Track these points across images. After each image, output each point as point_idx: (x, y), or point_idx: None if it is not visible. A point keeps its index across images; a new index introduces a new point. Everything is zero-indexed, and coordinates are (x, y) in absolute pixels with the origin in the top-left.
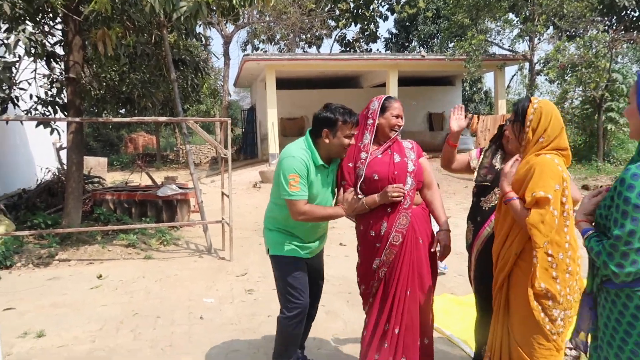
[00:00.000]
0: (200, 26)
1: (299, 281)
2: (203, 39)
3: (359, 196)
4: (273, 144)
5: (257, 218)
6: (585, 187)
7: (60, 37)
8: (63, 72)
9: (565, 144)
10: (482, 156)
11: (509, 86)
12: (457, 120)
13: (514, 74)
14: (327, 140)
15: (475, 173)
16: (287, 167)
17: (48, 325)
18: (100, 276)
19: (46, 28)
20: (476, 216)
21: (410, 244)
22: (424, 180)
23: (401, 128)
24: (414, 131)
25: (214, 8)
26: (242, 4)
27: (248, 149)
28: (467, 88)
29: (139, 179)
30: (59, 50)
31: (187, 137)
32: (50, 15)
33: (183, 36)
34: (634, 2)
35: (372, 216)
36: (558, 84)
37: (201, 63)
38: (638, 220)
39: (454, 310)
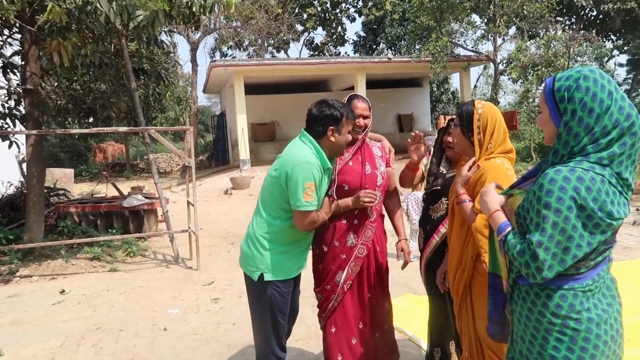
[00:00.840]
0: (161, 34)
1: (283, 325)
2: (165, 46)
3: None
4: (244, 150)
5: (227, 225)
6: None
7: (19, 48)
8: (19, 84)
9: (510, 145)
10: (429, 163)
11: (475, 86)
12: (415, 151)
13: (480, 74)
14: (333, 139)
15: (425, 181)
16: (305, 175)
17: (6, 343)
18: (63, 291)
19: (1, 38)
20: (426, 225)
21: (372, 255)
22: (388, 189)
23: (368, 127)
24: (385, 133)
25: (174, 15)
26: (202, 11)
27: (219, 155)
28: (435, 89)
29: (105, 189)
30: (17, 60)
31: (149, 146)
32: (7, 26)
33: (144, 44)
34: (591, 2)
35: (338, 226)
36: (520, 83)
37: (163, 71)
38: (558, 225)
39: (416, 310)
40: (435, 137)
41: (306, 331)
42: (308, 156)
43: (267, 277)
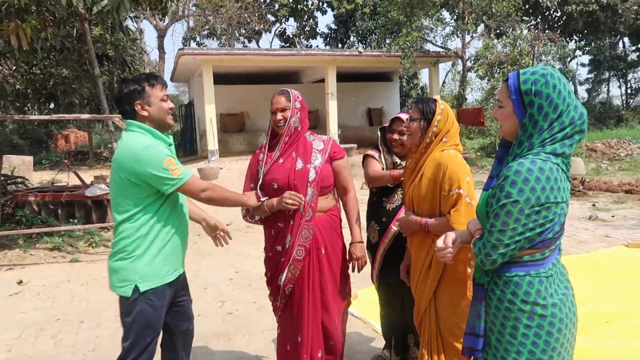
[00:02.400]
0: (126, 19)
1: (153, 341)
2: (131, 32)
3: (262, 199)
4: (212, 140)
5: None
6: None
7: None
8: None
9: (458, 141)
10: (382, 160)
11: (444, 82)
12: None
13: (448, 71)
14: (145, 113)
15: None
16: (156, 157)
17: None
18: (21, 282)
19: None
20: (380, 216)
21: (314, 257)
22: (337, 184)
23: (288, 120)
24: (355, 126)
25: (140, 1)
26: None
27: (187, 145)
28: (405, 84)
29: (67, 178)
30: None
31: (113, 134)
32: None
33: (108, 30)
34: (555, 3)
35: (276, 228)
36: (487, 80)
37: (129, 58)
38: (512, 214)
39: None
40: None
41: (272, 322)
42: (144, 140)
43: (143, 287)
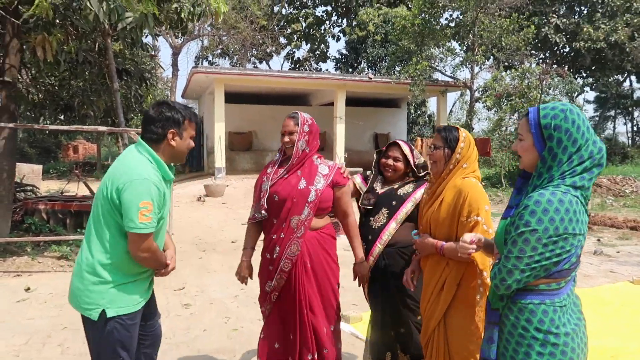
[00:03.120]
0: (146, 36)
1: (131, 354)
2: (149, 49)
3: (261, 213)
4: (220, 157)
5: (199, 232)
6: None
7: None
8: None
9: (477, 167)
10: (369, 182)
11: (451, 111)
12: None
13: (456, 100)
14: (173, 143)
15: (362, 198)
16: (141, 193)
17: None
18: (28, 289)
19: None
20: (367, 235)
21: (300, 270)
22: (337, 209)
23: (297, 143)
24: (361, 150)
25: (162, 20)
26: (190, 17)
27: (194, 161)
28: (412, 111)
29: (75, 188)
30: None
31: (127, 147)
32: None
33: (128, 46)
34: (564, 39)
35: (268, 238)
36: (495, 111)
37: (146, 74)
38: (530, 242)
39: None
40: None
41: None
42: (146, 171)
43: (111, 313)
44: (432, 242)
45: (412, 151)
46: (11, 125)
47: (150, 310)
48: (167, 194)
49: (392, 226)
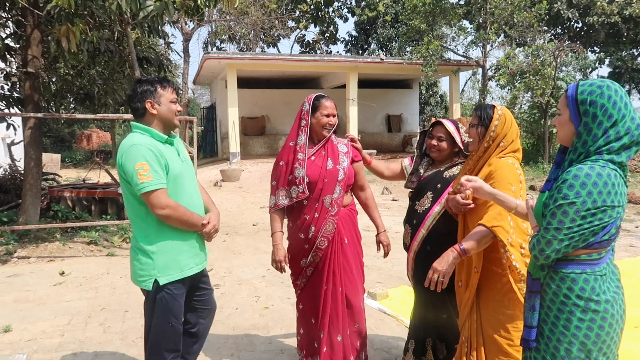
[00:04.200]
0: (165, 24)
1: (178, 330)
2: (167, 37)
3: (302, 194)
4: (234, 142)
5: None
6: (532, 188)
7: (14, 30)
8: (19, 67)
9: (519, 146)
10: (413, 165)
11: (463, 90)
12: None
13: (468, 79)
14: (154, 111)
15: (406, 180)
16: (133, 157)
17: (13, 320)
18: (63, 273)
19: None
20: (412, 219)
21: (336, 246)
22: (355, 183)
23: (334, 126)
24: (374, 132)
25: (178, 7)
26: (207, 4)
27: (207, 147)
28: (424, 91)
29: (96, 176)
30: (11, 43)
31: None
32: (7, 8)
33: (146, 34)
34: (577, 14)
35: (301, 219)
36: (508, 89)
37: (165, 61)
38: (568, 214)
39: (410, 301)
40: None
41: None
42: (133, 139)
43: (163, 280)
44: (450, 253)
45: (457, 129)
46: (39, 115)
47: (203, 282)
48: (170, 154)
49: (436, 210)
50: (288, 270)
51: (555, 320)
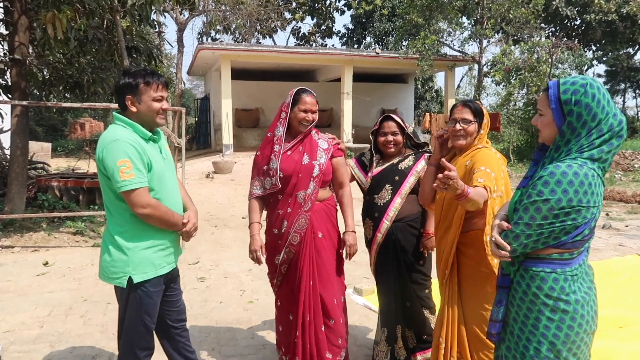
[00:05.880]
0: (154, 13)
1: (150, 328)
2: (157, 26)
3: (274, 186)
4: (227, 134)
5: (210, 208)
6: None
7: (1, 16)
8: (7, 53)
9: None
10: (367, 163)
11: (458, 86)
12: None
13: (464, 75)
14: (134, 109)
15: (367, 179)
16: (115, 154)
17: None
18: (47, 263)
19: None
20: (373, 212)
21: (309, 242)
22: (335, 180)
23: (311, 122)
24: (369, 126)
25: None
26: None
27: (201, 138)
28: (420, 86)
29: (86, 166)
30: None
31: None
32: None
33: (136, 22)
34: (575, 12)
35: (274, 214)
36: (503, 86)
37: (155, 50)
38: (541, 211)
39: None
40: (421, 132)
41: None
42: (116, 134)
43: (137, 278)
44: (463, 184)
45: (402, 121)
46: (24, 103)
47: (175, 282)
48: (153, 152)
49: (398, 201)
50: (265, 264)
51: (524, 319)
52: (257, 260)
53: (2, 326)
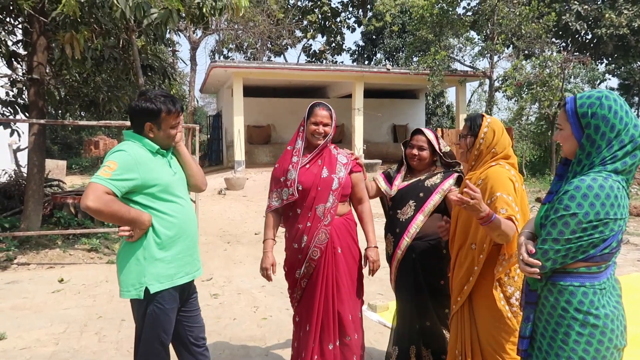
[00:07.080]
0: (169, 32)
1: (166, 344)
2: (171, 44)
3: (292, 196)
4: (239, 151)
5: (222, 224)
6: (538, 200)
7: (21, 37)
8: (25, 73)
9: (512, 154)
10: (393, 174)
11: (469, 101)
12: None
13: (475, 90)
14: (151, 135)
15: (391, 188)
16: (110, 156)
17: (8, 327)
18: (62, 280)
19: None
20: (395, 227)
21: (329, 257)
22: (354, 195)
23: (325, 135)
24: (380, 142)
25: (183, 15)
26: (212, 12)
27: (213, 155)
28: (431, 102)
29: None
30: (19, 50)
31: None
32: (14, 14)
33: (151, 41)
34: (585, 26)
35: (294, 228)
36: (515, 100)
37: (169, 69)
38: (569, 225)
39: None
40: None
41: None
42: (123, 145)
43: (154, 288)
44: (486, 207)
45: (437, 138)
46: (42, 121)
47: (193, 298)
48: (159, 165)
49: (420, 219)
50: (279, 279)
51: (553, 334)
52: (268, 278)
53: (18, 343)
